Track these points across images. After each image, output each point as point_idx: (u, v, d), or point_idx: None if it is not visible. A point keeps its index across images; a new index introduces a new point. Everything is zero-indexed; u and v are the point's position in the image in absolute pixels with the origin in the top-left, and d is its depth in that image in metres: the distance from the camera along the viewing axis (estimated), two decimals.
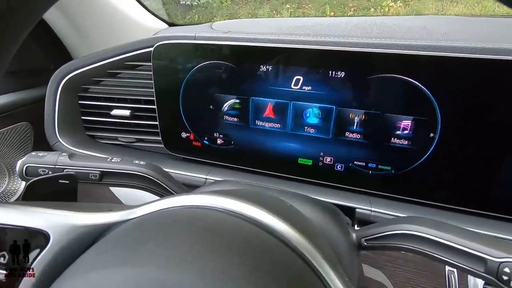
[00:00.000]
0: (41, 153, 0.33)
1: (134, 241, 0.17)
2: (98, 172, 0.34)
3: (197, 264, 0.15)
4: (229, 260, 0.16)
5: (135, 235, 0.18)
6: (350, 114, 0.45)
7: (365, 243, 0.31)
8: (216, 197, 0.21)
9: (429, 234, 0.26)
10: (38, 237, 0.20)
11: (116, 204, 0.24)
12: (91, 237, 0.20)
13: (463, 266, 0.25)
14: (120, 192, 0.70)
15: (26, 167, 0.32)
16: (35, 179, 0.26)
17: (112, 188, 0.69)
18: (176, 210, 0.20)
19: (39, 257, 0.19)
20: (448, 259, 0.25)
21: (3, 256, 0.19)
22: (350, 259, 0.30)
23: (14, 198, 0.61)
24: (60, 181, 0.28)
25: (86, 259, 0.18)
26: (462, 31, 0.49)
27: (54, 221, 0.20)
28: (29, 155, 0.33)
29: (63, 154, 0.34)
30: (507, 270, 0.22)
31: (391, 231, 0.29)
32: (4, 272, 0.19)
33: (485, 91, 0.39)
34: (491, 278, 0.23)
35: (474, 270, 0.24)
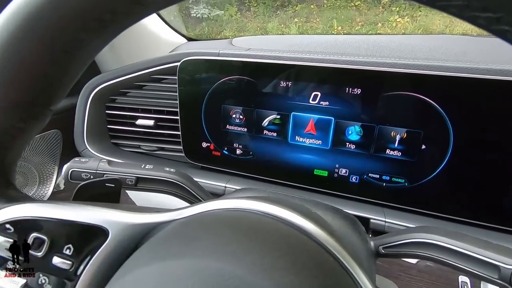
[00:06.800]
0: (83, 159, 0.37)
1: (188, 236, 0.20)
2: (134, 178, 0.37)
3: (248, 257, 0.17)
4: (273, 255, 0.18)
5: (188, 232, 0.20)
6: (367, 129, 0.48)
7: (383, 251, 0.33)
8: (254, 201, 0.23)
9: (444, 243, 0.28)
10: (98, 233, 0.22)
11: (157, 207, 0.27)
12: (142, 234, 0.23)
13: (478, 273, 0.26)
14: (137, 197, 0.73)
15: (71, 171, 0.35)
16: (85, 182, 0.29)
17: (129, 193, 0.71)
18: (219, 211, 0.23)
19: (99, 250, 0.22)
20: (464, 266, 0.27)
21: (69, 248, 0.22)
22: (368, 265, 0.32)
23: None
24: (106, 184, 0.30)
25: (146, 252, 0.20)
26: (469, 51, 0.52)
27: (112, 219, 0.23)
28: (73, 160, 0.36)
29: (103, 160, 0.37)
30: None
31: (408, 239, 0.31)
32: (70, 262, 0.22)
33: (494, 109, 0.41)
34: (505, 284, 0.25)
35: (489, 277, 0.26)
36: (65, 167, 0.35)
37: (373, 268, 0.33)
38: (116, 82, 0.60)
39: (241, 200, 0.24)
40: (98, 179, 0.31)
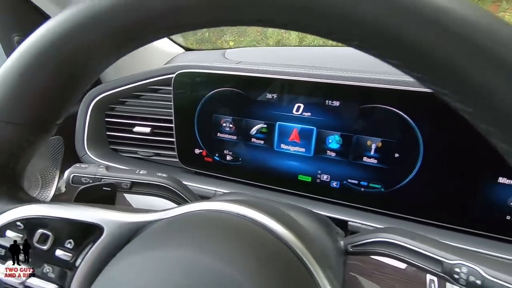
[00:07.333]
0: (83, 165, 0.40)
1: (170, 232, 0.24)
2: (129, 182, 0.41)
3: (222, 249, 0.21)
4: (243, 250, 0.22)
5: (170, 228, 0.24)
6: (346, 139, 0.52)
7: (351, 249, 0.37)
8: (231, 204, 0.27)
9: (400, 241, 0.32)
10: (95, 229, 0.26)
11: (147, 208, 0.31)
12: (133, 231, 0.27)
13: (425, 267, 0.30)
14: (133, 200, 0.76)
15: (72, 176, 0.39)
16: (85, 186, 0.33)
17: (127, 197, 0.75)
18: (200, 212, 0.27)
19: (95, 244, 0.26)
20: (414, 261, 0.31)
21: (70, 242, 0.26)
22: (337, 263, 0.36)
23: None
24: (103, 188, 0.34)
25: (134, 245, 0.24)
26: None
27: (107, 218, 0.26)
28: (74, 166, 0.40)
29: (101, 166, 0.41)
30: (457, 270, 0.28)
31: (372, 238, 0.35)
32: (70, 254, 0.25)
33: (459, 121, 0.45)
34: (446, 277, 0.29)
35: (434, 271, 0.29)
36: (67, 172, 0.39)
37: (341, 264, 0.37)
38: (115, 92, 0.65)
39: (221, 202, 0.28)
40: (96, 183, 0.35)
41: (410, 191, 0.50)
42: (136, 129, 0.67)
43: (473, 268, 0.27)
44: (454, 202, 0.49)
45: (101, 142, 0.70)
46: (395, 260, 0.38)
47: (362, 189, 0.53)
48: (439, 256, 0.29)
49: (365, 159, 0.52)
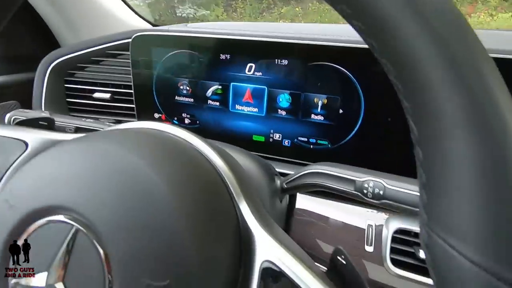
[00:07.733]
0: (26, 110, 0.41)
1: (96, 135, 0.25)
2: (73, 127, 0.41)
3: (146, 152, 0.22)
4: (168, 158, 0.23)
5: (98, 134, 0.26)
6: (294, 97, 0.54)
7: (285, 186, 0.39)
8: (165, 125, 0.29)
9: (322, 169, 0.35)
10: (20, 145, 0.27)
11: None
12: None
13: (344, 189, 0.33)
14: None
15: (13, 118, 0.39)
16: (21, 119, 0.34)
17: None
18: (135, 128, 0.28)
19: (18, 159, 0.27)
20: (336, 186, 0.34)
21: None
22: (272, 200, 0.38)
23: None
24: (40, 122, 0.35)
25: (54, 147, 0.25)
26: None
27: (32, 135, 0.28)
28: (15, 110, 0.41)
29: (45, 111, 0.41)
30: (366, 185, 0.30)
31: (301, 172, 0.38)
32: None
33: None
34: (359, 194, 0.31)
35: (349, 190, 0.32)
36: (7, 115, 0.39)
37: (277, 202, 0.39)
38: (73, 57, 0.65)
39: (154, 123, 0.30)
40: (32, 117, 0.35)
41: (354, 146, 0.53)
42: (96, 95, 0.67)
43: (378, 181, 0.30)
44: (396, 155, 0.52)
45: (60, 108, 0.70)
46: (333, 210, 0.41)
47: (311, 146, 0.56)
48: (352, 176, 0.32)
49: (312, 116, 0.54)
